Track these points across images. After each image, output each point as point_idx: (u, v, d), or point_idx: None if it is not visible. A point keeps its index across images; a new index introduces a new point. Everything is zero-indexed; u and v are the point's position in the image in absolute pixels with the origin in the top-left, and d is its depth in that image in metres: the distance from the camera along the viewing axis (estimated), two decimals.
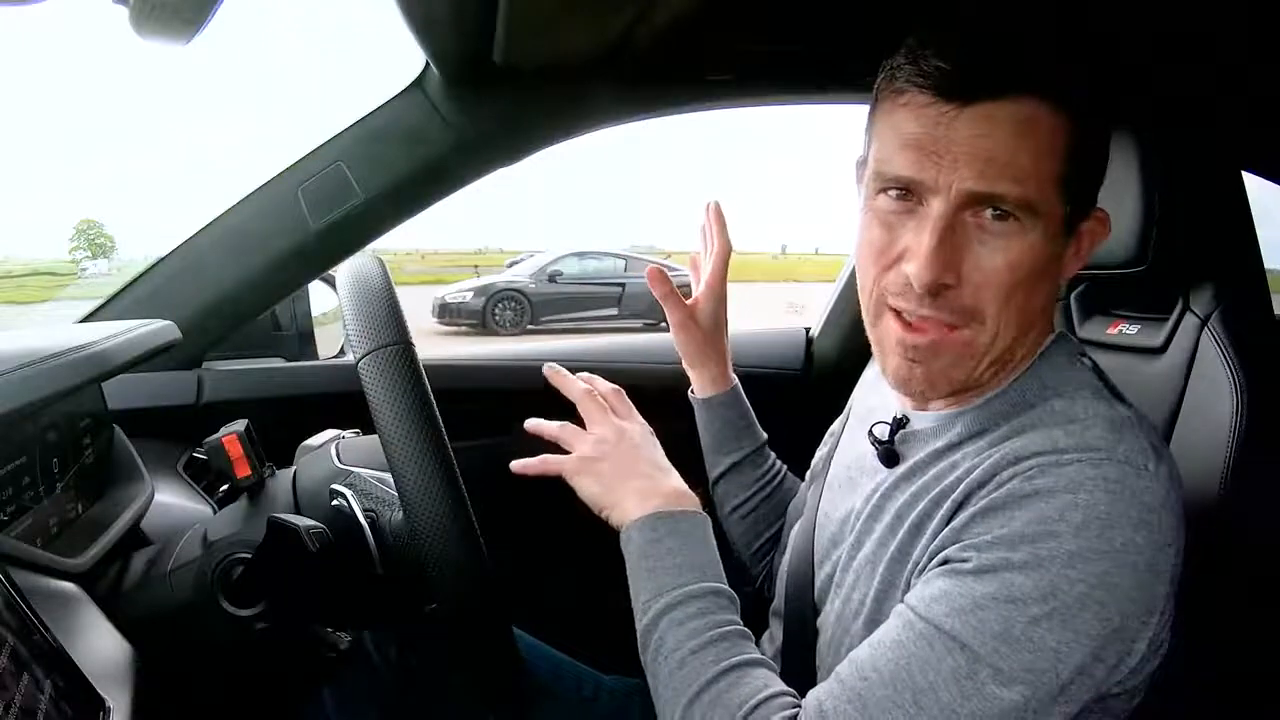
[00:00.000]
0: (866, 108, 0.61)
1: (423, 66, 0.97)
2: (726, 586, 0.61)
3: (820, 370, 1.35)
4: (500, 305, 9.25)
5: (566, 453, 0.70)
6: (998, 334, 0.56)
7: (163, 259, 1.01)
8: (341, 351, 1.21)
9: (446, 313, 9.24)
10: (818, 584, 0.68)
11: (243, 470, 0.67)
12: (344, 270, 0.64)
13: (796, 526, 0.76)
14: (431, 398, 0.58)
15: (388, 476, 0.62)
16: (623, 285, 9.47)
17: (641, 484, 0.66)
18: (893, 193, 0.56)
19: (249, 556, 0.62)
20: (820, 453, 0.83)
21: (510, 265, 11.00)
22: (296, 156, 1.00)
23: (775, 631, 0.75)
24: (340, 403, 0.76)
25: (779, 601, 0.74)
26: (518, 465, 0.70)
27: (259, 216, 1.00)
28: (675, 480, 0.67)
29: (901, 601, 0.54)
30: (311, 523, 0.61)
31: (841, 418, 0.81)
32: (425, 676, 0.85)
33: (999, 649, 0.49)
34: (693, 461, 0.90)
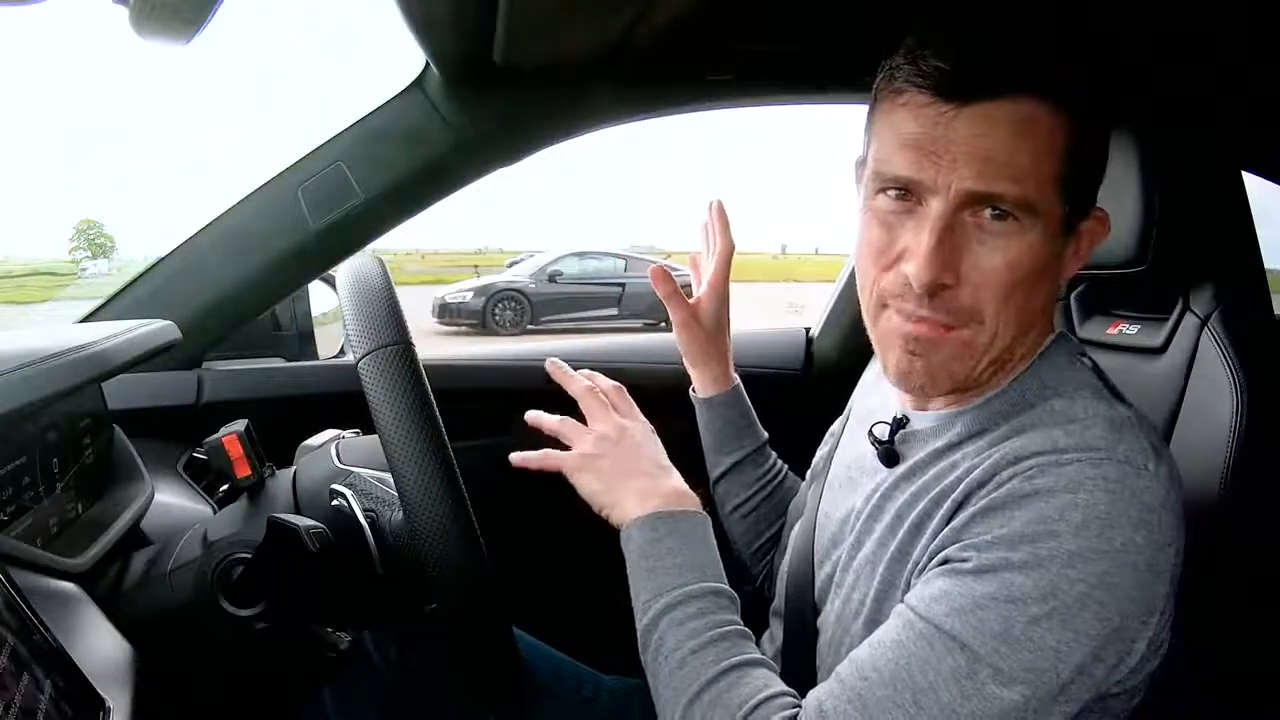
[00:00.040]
0: (866, 108, 0.61)
1: (423, 66, 0.97)
2: (727, 586, 0.61)
3: (820, 370, 1.35)
4: (500, 305, 9.25)
5: (567, 448, 0.70)
6: (997, 333, 0.56)
7: (163, 259, 1.01)
8: (341, 351, 1.21)
9: (446, 313, 9.24)
10: (818, 584, 0.68)
11: (243, 470, 0.67)
12: (344, 270, 0.64)
13: (797, 527, 0.76)
14: (431, 398, 0.58)
15: (388, 476, 0.62)
16: (623, 285, 9.48)
17: (642, 483, 0.66)
18: (892, 193, 0.56)
19: (249, 556, 0.62)
20: (820, 453, 0.83)
21: (510, 265, 11.00)
22: (296, 156, 1.00)
23: (775, 631, 0.75)
24: (340, 403, 0.76)
25: (779, 601, 0.74)
26: (517, 458, 0.70)
27: (259, 216, 1.00)
28: (676, 480, 0.67)
29: (901, 601, 0.54)
30: (311, 523, 0.61)
31: (842, 418, 0.81)
32: (425, 676, 0.85)
33: (999, 649, 0.49)
34: (693, 461, 0.90)
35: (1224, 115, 0.91)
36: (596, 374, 0.75)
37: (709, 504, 0.67)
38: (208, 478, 0.89)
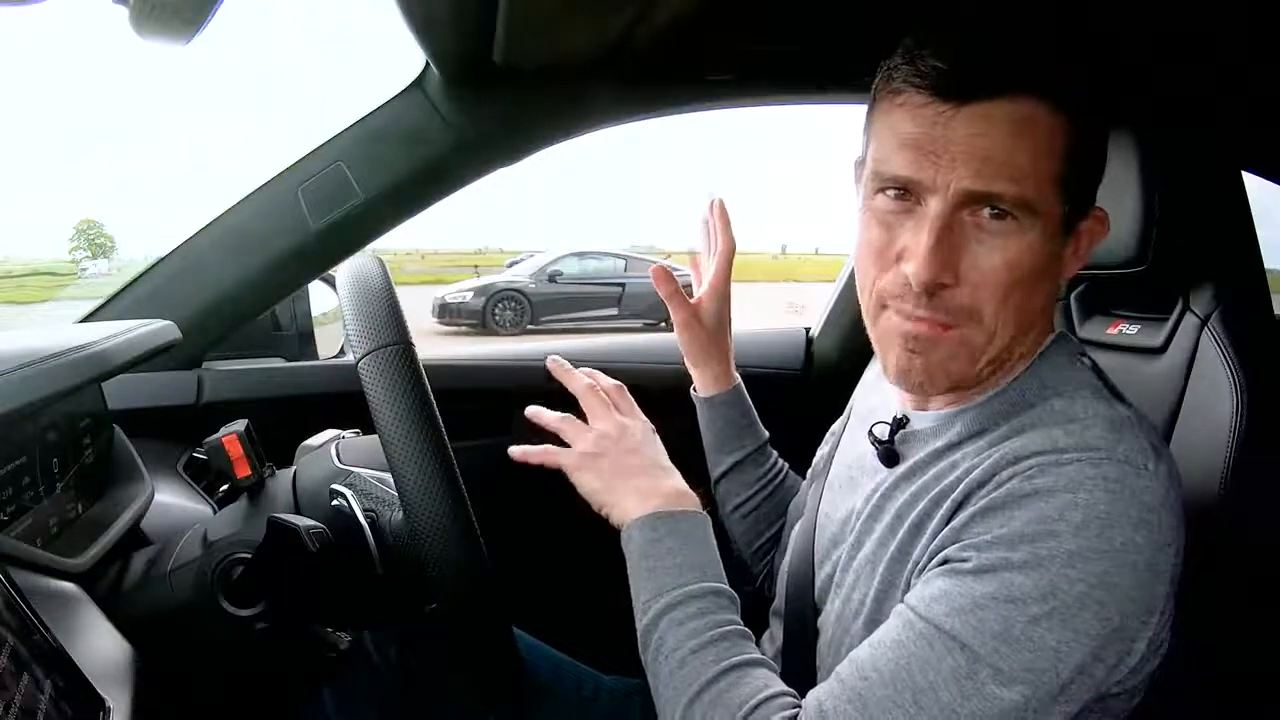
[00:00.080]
0: (865, 108, 0.61)
1: (423, 66, 0.97)
2: (727, 586, 0.61)
3: (820, 370, 1.35)
4: (500, 305, 9.25)
5: (568, 446, 0.70)
6: (995, 333, 0.56)
7: (163, 259, 1.01)
8: (341, 351, 1.21)
9: (446, 313, 9.24)
10: (818, 584, 0.68)
11: (243, 470, 0.67)
12: (344, 270, 0.64)
13: (797, 527, 0.76)
14: (431, 398, 0.58)
15: (388, 476, 0.62)
16: (623, 285, 9.48)
17: (642, 482, 0.66)
18: (891, 193, 0.56)
19: (249, 556, 0.62)
20: (821, 453, 0.83)
21: (510, 265, 11.00)
22: (296, 156, 1.00)
23: (775, 631, 0.75)
24: (340, 403, 0.76)
25: (779, 601, 0.74)
26: (517, 452, 0.70)
27: (259, 216, 1.00)
28: (676, 479, 0.67)
29: (901, 601, 0.54)
30: (311, 523, 0.61)
31: (842, 418, 0.81)
32: (425, 676, 0.85)
33: (999, 649, 0.49)
34: (694, 460, 0.90)
35: (1224, 115, 0.91)
36: (597, 372, 0.75)
37: (709, 504, 0.67)
38: (208, 478, 0.89)
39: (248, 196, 1.00)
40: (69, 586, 0.59)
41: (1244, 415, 0.70)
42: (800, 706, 0.53)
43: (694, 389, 0.91)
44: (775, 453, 0.92)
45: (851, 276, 0.73)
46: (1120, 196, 0.75)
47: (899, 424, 0.64)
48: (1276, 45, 0.82)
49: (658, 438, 0.71)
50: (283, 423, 0.82)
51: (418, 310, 8.49)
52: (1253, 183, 0.88)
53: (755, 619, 0.74)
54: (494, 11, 0.75)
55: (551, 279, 9.53)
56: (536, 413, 0.73)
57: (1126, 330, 0.84)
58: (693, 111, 1.11)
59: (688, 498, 0.66)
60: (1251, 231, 0.82)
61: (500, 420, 1.02)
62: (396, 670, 0.85)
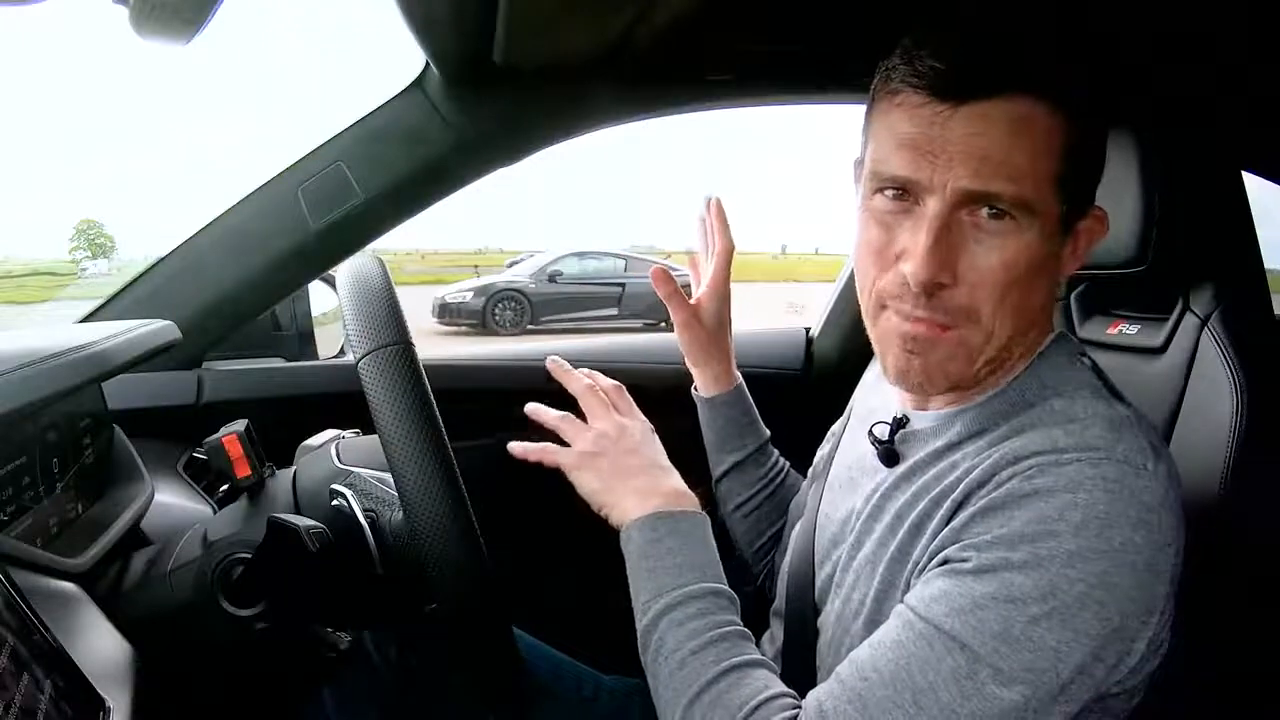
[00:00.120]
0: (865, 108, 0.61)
1: (423, 66, 0.97)
2: (726, 587, 0.61)
3: (820, 370, 1.35)
4: (500, 305, 9.25)
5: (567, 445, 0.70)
6: (994, 333, 0.56)
7: (163, 259, 1.01)
8: (341, 351, 1.21)
9: (446, 313, 9.24)
10: (818, 584, 0.68)
11: (243, 470, 0.67)
12: (344, 270, 0.64)
13: (797, 527, 0.76)
14: (431, 398, 0.58)
15: (388, 476, 0.62)
16: (623, 285, 9.47)
17: (641, 483, 0.66)
18: (889, 193, 0.56)
19: (249, 556, 0.62)
20: (821, 453, 0.83)
21: (510, 265, 11.00)
22: (296, 156, 1.00)
23: (776, 631, 0.75)
24: (340, 403, 0.76)
25: (780, 601, 0.74)
26: (516, 447, 0.70)
27: (259, 216, 1.00)
28: (675, 480, 0.67)
29: (901, 602, 0.54)
30: (311, 523, 0.61)
31: (843, 418, 0.81)
32: (425, 676, 0.85)
33: (999, 649, 0.49)
34: (694, 460, 0.90)
35: (1224, 115, 0.91)
36: (596, 373, 0.75)
37: (708, 504, 0.67)
38: (208, 478, 0.89)
39: (248, 196, 1.00)
40: (69, 586, 0.59)
41: (1244, 415, 0.70)
42: (800, 707, 0.53)
43: (695, 388, 0.91)
44: (776, 452, 0.92)
45: (851, 277, 0.73)
46: (1120, 196, 0.75)
47: (899, 424, 0.64)
48: (1276, 45, 0.82)
49: (656, 438, 0.71)
50: (283, 423, 0.82)
51: (418, 310, 8.49)
52: (1253, 183, 0.88)
53: (755, 619, 0.74)
54: (494, 11, 0.75)
55: (551, 279, 9.53)
56: (536, 410, 0.73)
57: (1126, 330, 0.84)
58: (693, 111, 1.11)
59: (687, 498, 0.66)
60: (1251, 231, 0.82)
61: (500, 420, 1.02)
62: (396, 670, 0.85)
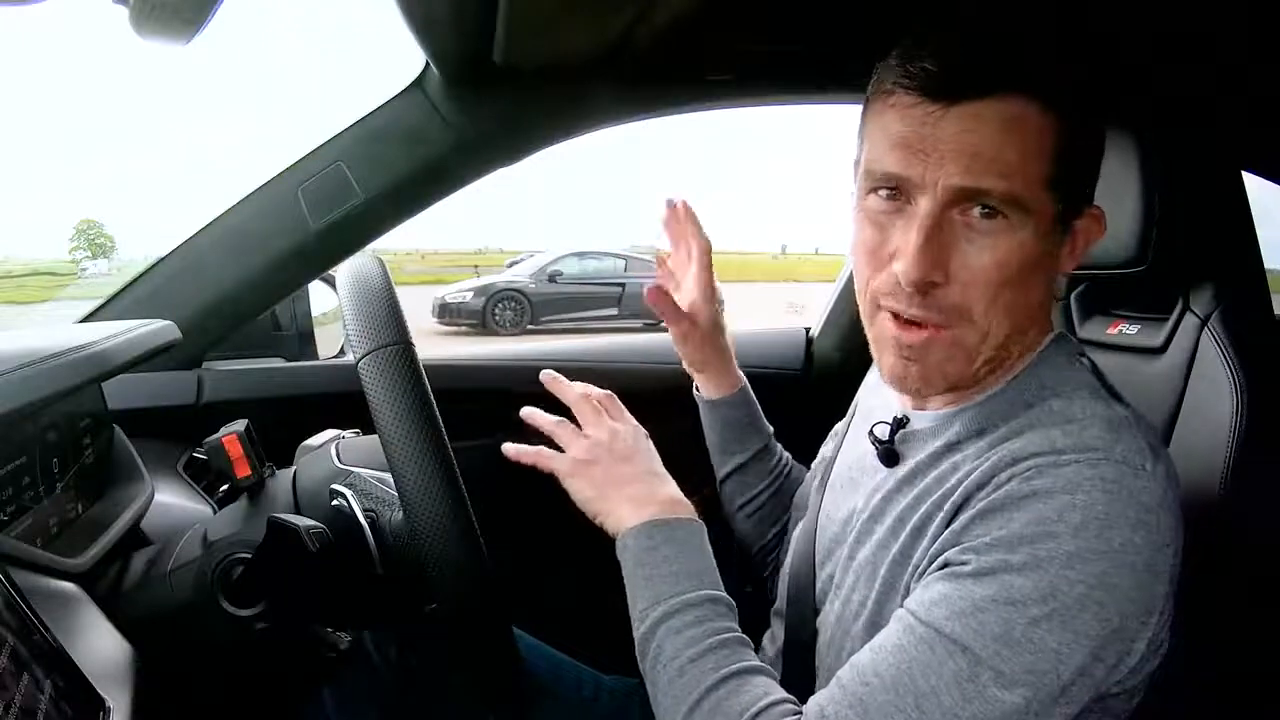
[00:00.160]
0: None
1: (423, 66, 0.97)
2: (724, 594, 0.61)
3: (820, 370, 1.35)
4: (500, 305, 9.25)
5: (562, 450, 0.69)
6: (989, 332, 0.56)
7: (163, 259, 1.01)
8: (341, 351, 1.21)
9: (446, 313, 9.24)
10: (819, 584, 0.68)
11: (243, 470, 0.67)
12: (344, 270, 0.64)
13: (799, 527, 0.76)
14: (431, 398, 0.58)
15: (388, 476, 0.62)
16: (623, 285, 9.47)
17: (636, 490, 0.66)
18: (883, 192, 0.56)
19: (249, 556, 0.62)
20: (823, 452, 0.83)
21: (510, 265, 11.00)
22: (296, 156, 1.00)
23: (776, 631, 0.75)
24: (340, 403, 0.76)
25: (781, 601, 0.74)
26: (510, 449, 0.70)
27: (259, 216, 1.00)
28: (671, 487, 0.67)
29: (902, 606, 0.54)
30: (311, 523, 0.61)
31: (846, 418, 0.81)
32: (425, 676, 0.85)
33: (1000, 651, 0.49)
34: (695, 461, 0.90)
35: (1224, 115, 0.91)
36: (589, 386, 0.75)
37: (703, 511, 0.67)
38: (208, 478, 0.89)
39: (248, 196, 1.00)
40: (69, 586, 0.59)
41: (1244, 415, 0.70)
42: (801, 713, 0.53)
43: (696, 389, 0.90)
44: (780, 449, 0.92)
45: (851, 277, 0.73)
46: (1120, 196, 0.75)
47: (899, 424, 0.64)
48: (1276, 45, 0.82)
49: (651, 444, 0.71)
50: (283, 423, 0.82)
51: (418, 310, 8.49)
52: (1253, 183, 0.88)
53: (756, 619, 0.74)
54: (494, 11, 0.75)
55: (551, 279, 9.53)
56: (531, 414, 0.73)
57: (1126, 330, 0.84)
58: (693, 111, 1.11)
59: (682, 505, 0.66)
60: (1251, 231, 0.82)
61: (500, 420, 1.02)
62: (396, 670, 0.85)
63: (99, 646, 0.55)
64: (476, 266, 16.46)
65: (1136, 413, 0.56)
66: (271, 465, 0.70)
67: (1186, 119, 0.83)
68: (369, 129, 1.00)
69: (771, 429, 0.91)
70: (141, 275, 1.01)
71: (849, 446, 0.74)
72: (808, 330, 1.39)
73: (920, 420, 0.63)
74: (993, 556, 0.50)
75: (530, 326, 9.18)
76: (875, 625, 0.58)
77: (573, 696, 0.89)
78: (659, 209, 0.88)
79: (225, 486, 0.75)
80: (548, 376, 0.75)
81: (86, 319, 1.00)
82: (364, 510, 0.65)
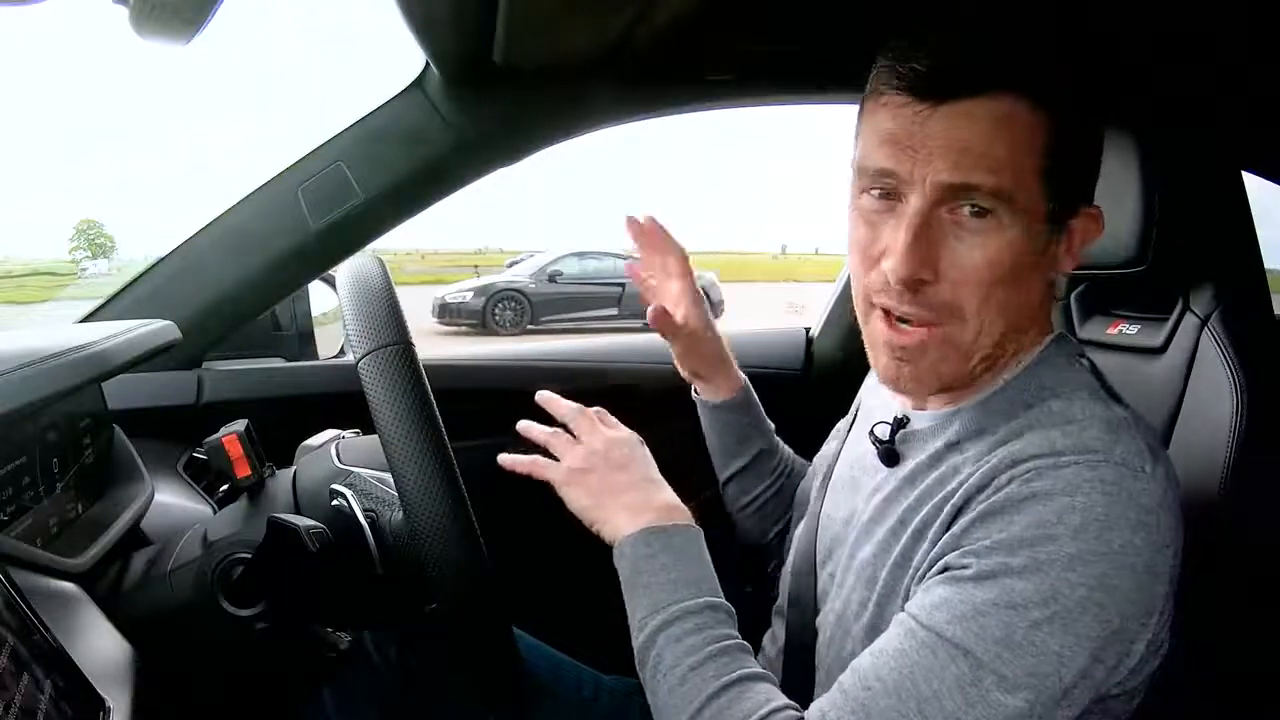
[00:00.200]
0: None
1: (423, 66, 0.97)
2: (723, 600, 0.61)
3: (820, 370, 1.35)
4: (500, 305, 9.25)
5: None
6: (981, 330, 0.56)
7: (163, 259, 1.01)
8: (341, 351, 1.21)
9: (446, 313, 9.25)
10: (820, 583, 0.68)
11: (243, 470, 0.67)
12: (344, 270, 0.64)
13: (800, 526, 0.76)
14: (431, 398, 0.58)
15: (388, 476, 0.62)
16: (623, 285, 9.46)
17: (632, 498, 0.65)
18: (875, 191, 0.57)
19: (249, 556, 0.62)
20: (826, 451, 0.83)
21: (510, 265, 11.00)
22: (296, 156, 1.00)
23: (778, 630, 0.75)
24: (340, 403, 0.76)
25: (782, 600, 0.74)
26: (506, 459, 0.70)
27: (259, 216, 1.00)
28: (667, 494, 0.67)
29: (903, 609, 0.54)
30: (311, 523, 0.61)
31: (848, 416, 0.81)
32: (425, 676, 0.85)
33: (1002, 655, 0.49)
34: (696, 462, 0.90)
35: (1224, 115, 0.91)
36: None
37: (700, 516, 0.67)
38: (208, 478, 0.89)
39: (248, 196, 1.00)
40: (69, 586, 0.59)
41: (1244, 415, 0.70)
42: (803, 719, 0.53)
43: (696, 392, 0.90)
44: (781, 447, 0.92)
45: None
46: (1120, 196, 0.75)
47: (899, 424, 0.64)
48: (1276, 45, 0.82)
49: (647, 451, 0.71)
50: (283, 423, 0.81)
51: (418, 310, 8.49)
52: (1253, 183, 0.88)
53: (756, 619, 0.74)
54: (494, 11, 0.75)
55: (551, 279, 9.54)
56: (528, 427, 0.73)
57: (1126, 330, 0.84)
58: (693, 111, 1.11)
59: (679, 511, 0.65)
60: (1251, 231, 0.82)
61: (500, 420, 1.02)
62: (396, 670, 0.85)
63: (99, 646, 0.55)
64: (476, 266, 16.47)
65: (1136, 414, 0.56)
66: (271, 465, 0.70)
67: (1186, 119, 0.83)
68: (369, 129, 1.00)
69: (773, 426, 0.91)
70: (141, 275, 1.01)
71: (851, 446, 0.74)
72: (808, 330, 1.39)
73: (920, 420, 0.63)
74: (993, 560, 0.50)
75: (530, 326, 9.18)
76: (875, 626, 0.58)
77: (573, 696, 0.89)
78: (625, 229, 0.87)
79: (225, 486, 0.75)
80: (543, 397, 0.76)
81: (86, 319, 1.00)
82: (364, 510, 0.65)
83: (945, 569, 0.53)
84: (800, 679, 0.64)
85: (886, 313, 0.58)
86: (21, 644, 0.43)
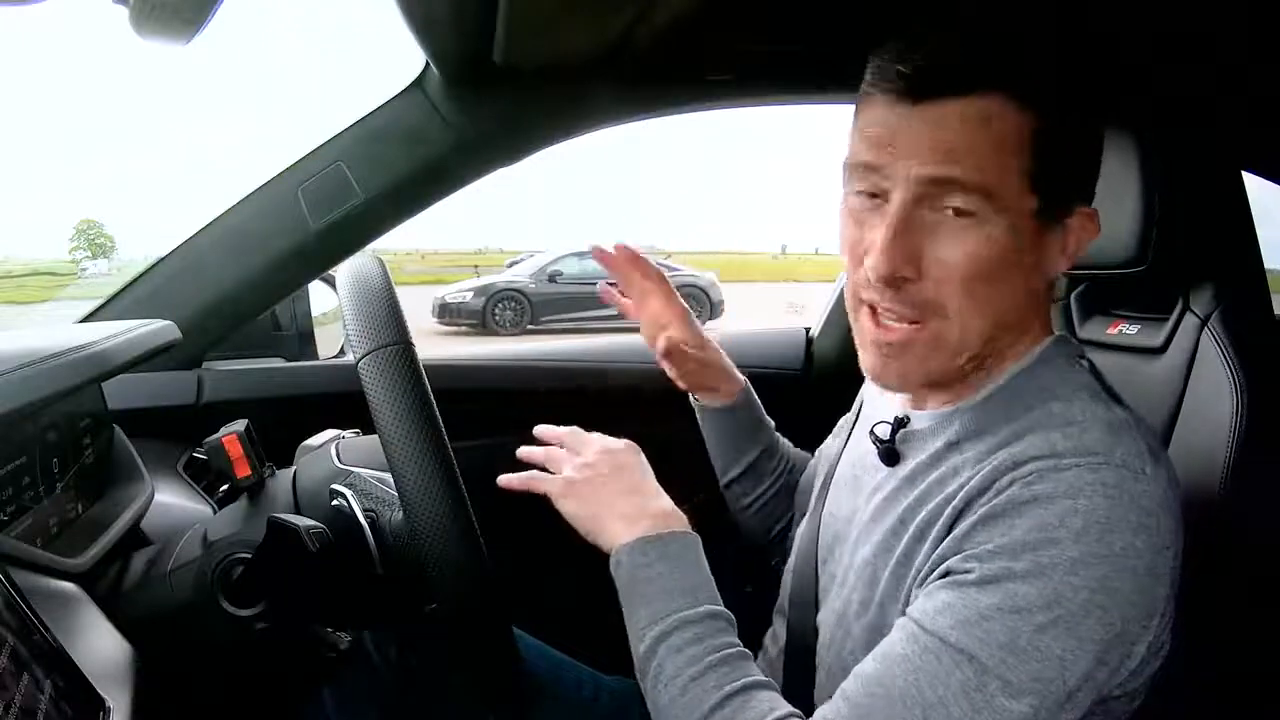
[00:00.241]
0: None
1: (423, 66, 0.97)
2: (722, 608, 0.61)
3: (820, 370, 1.35)
4: (500, 305, 9.26)
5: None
6: (964, 327, 0.56)
7: (163, 259, 1.01)
8: (341, 351, 1.21)
9: (446, 313, 9.25)
10: (821, 582, 0.68)
11: (243, 470, 0.67)
12: (344, 270, 0.64)
13: (802, 525, 0.76)
14: (431, 398, 0.58)
15: (388, 476, 0.62)
16: None
17: (628, 507, 0.65)
18: (861, 190, 0.57)
19: (249, 556, 0.62)
20: (828, 449, 0.83)
21: (510, 265, 11.00)
22: (296, 156, 1.00)
23: (779, 630, 0.75)
24: (340, 403, 0.76)
25: (783, 599, 0.74)
26: (504, 480, 0.71)
27: (259, 216, 1.00)
28: (663, 501, 0.67)
29: (904, 613, 0.54)
30: (311, 523, 0.61)
31: (852, 413, 0.81)
32: (425, 676, 0.85)
33: (1006, 659, 0.48)
34: (694, 463, 0.90)
35: (1224, 115, 0.91)
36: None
37: (696, 520, 0.67)
38: (208, 478, 0.89)
39: (248, 196, 1.00)
40: (69, 586, 0.59)
41: (1244, 415, 0.70)
42: None
43: (695, 398, 0.90)
44: (781, 445, 0.92)
45: None
46: (1120, 196, 0.75)
47: (899, 424, 0.64)
48: (1276, 45, 0.82)
49: (644, 458, 0.71)
50: (283, 423, 0.82)
51: (418, 310, 8.49)
52: (1253, 183, 0.88)
53: (756, 619, 0.74)
54: (494, 11, 0.75)
55: (551, 279, 9.53)
56: (528, 454, 0.74)
57: (1126, 330, 0.84)
58: (693, 111, 1.11)
59: (675, 518, 0.65)
60: (1251, 231, 0.82)
61: (500, 420, 1.02)
62: (396, 670, 0.85)
63: (99, 646, 0.55)
64: (476, 266, 16.47)
65: (1136, 415, 0.56)
66: (271, 465, 0.70)
67: (1186, 119, 0.83)
68: (369, 129, 1.00)
69: (773, 423, 0.91)
70: (141, 275, 1.01)
71: (852, 445, 0.74)
72: (808, 330, 1.39)
73: (920, 420, 0.63)
74: (996, 564, 0.50)
75: (530, 326, 9.19)
76: (876, 626, 0.58)
77: (573, 696, 0.88)
78: (592, 255, 0.89)
79: (225, 486, 0.75)
80: (539, 432, 0.76)
81: (86, 319, 1.00)
82: (364, 510, 0.65)
83: (947, 573, 0.53)
84: (801, 678, 0.64)
85: (873, 309, 0.58)
86: (21, 644, 0.43)
